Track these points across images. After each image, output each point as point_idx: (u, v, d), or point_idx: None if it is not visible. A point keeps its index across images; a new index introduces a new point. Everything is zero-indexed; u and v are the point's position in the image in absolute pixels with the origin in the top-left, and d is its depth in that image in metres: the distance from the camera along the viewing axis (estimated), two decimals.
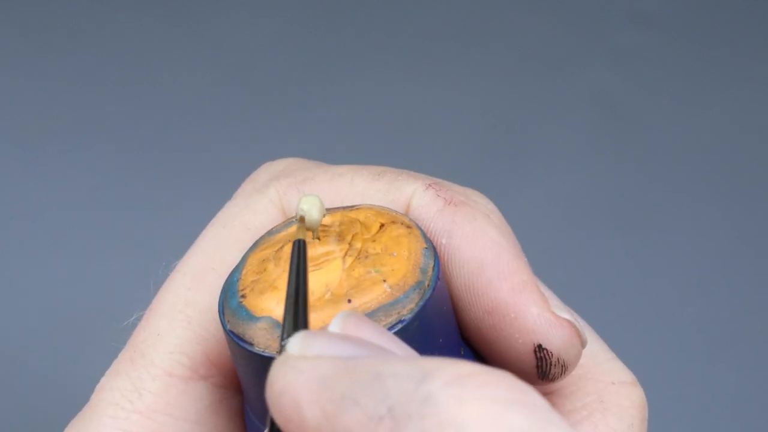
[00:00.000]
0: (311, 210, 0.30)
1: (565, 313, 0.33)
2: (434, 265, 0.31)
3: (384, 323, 0.30)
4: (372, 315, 0.30)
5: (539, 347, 0.32)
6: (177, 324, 0.34)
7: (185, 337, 0.34)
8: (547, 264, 1.15)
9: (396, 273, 0.30)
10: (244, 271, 0.32)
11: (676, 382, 1.05)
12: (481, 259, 0.33)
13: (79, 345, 1.05)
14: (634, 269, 1.14)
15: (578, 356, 0.33)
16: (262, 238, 0.33)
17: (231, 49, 1.39)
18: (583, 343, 0.33)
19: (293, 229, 0.33)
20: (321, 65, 1.37)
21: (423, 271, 0.31)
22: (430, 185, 0.35)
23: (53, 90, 1.33)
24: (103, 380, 0.34)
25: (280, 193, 0.35)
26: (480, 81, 1.35)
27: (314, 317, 0.30)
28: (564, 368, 0.33)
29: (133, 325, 0.35)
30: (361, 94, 1.33)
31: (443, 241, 0.33)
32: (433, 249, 0.32)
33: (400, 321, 0.30)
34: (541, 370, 0.33)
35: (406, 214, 0.34)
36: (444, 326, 0.32)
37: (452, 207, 0.34)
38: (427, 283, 0.31)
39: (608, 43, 1.40)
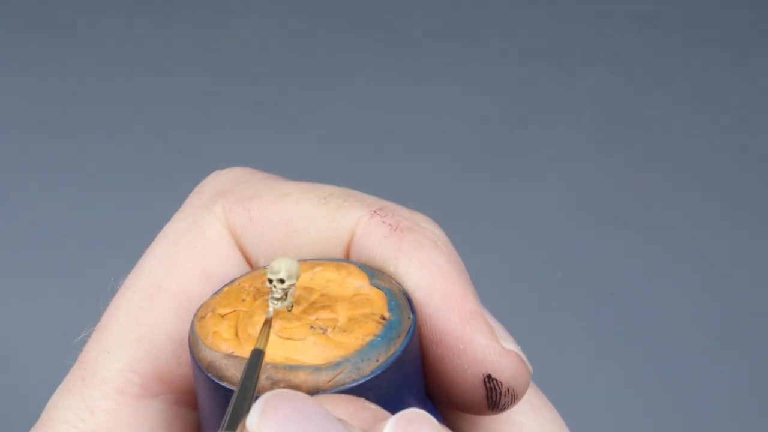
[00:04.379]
0: (287, 302, 0.31)
1: (511, 345, 0.32)
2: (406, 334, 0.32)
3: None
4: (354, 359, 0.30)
5: (489, 377, 0.32)
6: (128, 342, 0.34)
7: (136, 356, 0.34)
8: (545, 263, 1.16)
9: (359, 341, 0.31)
10: (214, 298, 0.32)
11: (676, 382, 1.06)
12: (427, 288, 0.32)
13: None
14: (633, 268, 1.14)
15: (527, 385, 0.32)
16: (225, 286, 0.33)
17: (229, 52, 1.39)
18: (529, 372, 0.33)
19: (255, 278, 0.33)
20: (321, 65, 1.37)
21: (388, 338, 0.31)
22: (375, 212, 0.34)
23: (46, 91, 1.33)
24: (53, 398, 0.34)
25: (226, 211, 0.35)
26: (481, 81, 1.35)
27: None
28: (514, 397, 0.32)
29: (83, 342, 0.35)
30: (362, 94, 1.33)
31: (390, 269, 0.33)
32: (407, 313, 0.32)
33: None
34: (491, 401, 0.32)
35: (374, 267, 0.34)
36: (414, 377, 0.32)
37: (398, 233, 0.33)
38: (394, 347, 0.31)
39: (608, 43, 1.40)
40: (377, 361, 0.30)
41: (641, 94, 1.33)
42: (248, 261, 0.35)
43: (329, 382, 0.30)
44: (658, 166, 1.25)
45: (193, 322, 0.32)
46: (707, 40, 1.40)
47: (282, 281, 0.31)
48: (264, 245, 0.35)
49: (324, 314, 0.31)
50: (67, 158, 1.24)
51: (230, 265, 0.35)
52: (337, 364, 0.30)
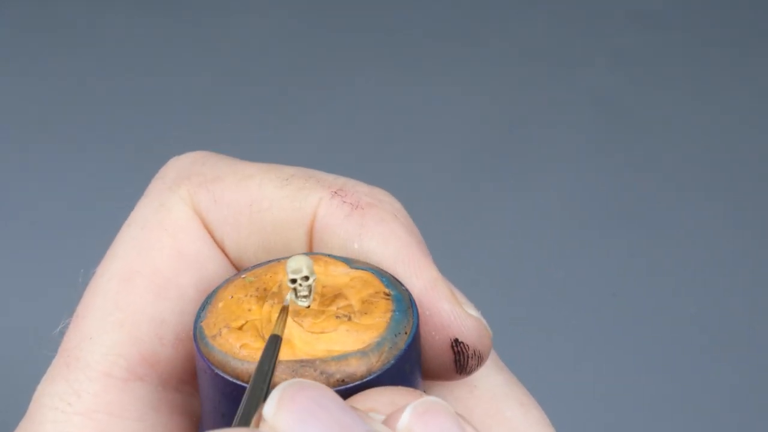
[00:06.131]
0: (311, 297, 0.31)
1: (472, 310, 0.33)
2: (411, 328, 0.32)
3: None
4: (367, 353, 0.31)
5: (456, 341, 0.33)
6: (109, 327, 0.34)
7: (119, 340, 0.34)
8: (545, 262, 1.16)
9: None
10: (212, 316, 0.32)
11: (680, 383, 1.05)
12: (393, 259, 0.33)
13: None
14: (635, 268, 1.14)
15: (490, 347, 0.34)
16: (220, 286, 0.33)
17: (229, 52, 1.39)
18: (490, 335, 0.34)
19: (262, 271, 0.33)
20: (321, 65, 1.37)
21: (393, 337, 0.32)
22: (335, 193, 0.35)
23: (46, 91, 1.33)
24: (39, 388, 0.34)
25: (190, 192, 0.35)
26: (481, 81, 1.35)
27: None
28: (480, 360, 0.33)
29: (61, 334, 0.35)
30: (362, 94, 1.33)
31: (356, 246, 0.34)
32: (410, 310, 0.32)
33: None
34: (459, 364, 0.33)
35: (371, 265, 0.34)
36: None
37: (359, 211, 0.34)
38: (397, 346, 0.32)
39: (608, 43, 1.40)
40: (406, 333, 0.31)
41: (641, 94, 1.33)
42: (215, 241, 0.35)
43: (378, 361, 0.31)
44: (658, 167, 1.25)
45: (204, 344, 0.31)
46: (707, 40, 1.40)
47: (307, 278, 0.31)
48: (229, 226, 0.35)
49: (341, 302, 0.32)
50: (67, 158, 1.24)
51: (201, 243, 0.35)
52: (378, 343, 0.31)
